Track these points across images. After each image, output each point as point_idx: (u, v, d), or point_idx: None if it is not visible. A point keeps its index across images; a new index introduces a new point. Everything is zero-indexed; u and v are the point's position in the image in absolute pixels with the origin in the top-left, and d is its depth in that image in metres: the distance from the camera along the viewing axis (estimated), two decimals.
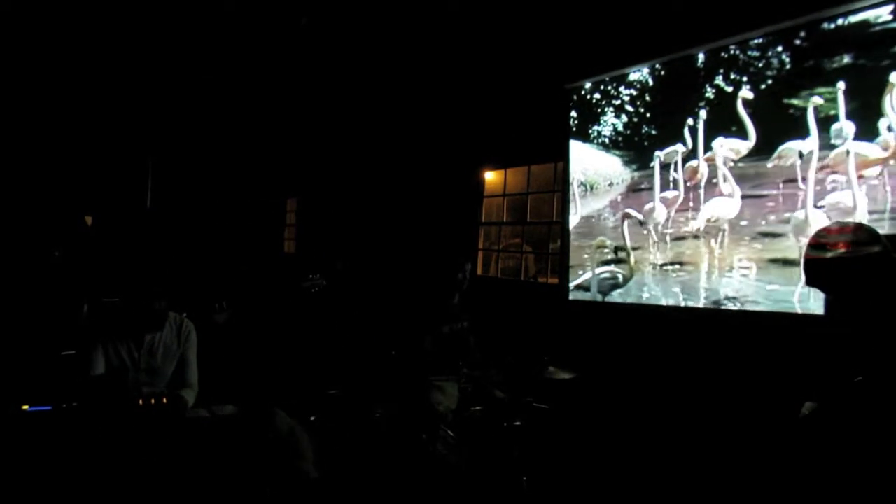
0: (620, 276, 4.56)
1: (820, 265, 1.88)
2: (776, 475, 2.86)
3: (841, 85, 3.26)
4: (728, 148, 3.85)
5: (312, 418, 3.20)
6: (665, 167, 4.24)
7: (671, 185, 4.19)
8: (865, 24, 3.17)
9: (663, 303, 4.20)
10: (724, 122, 3.84)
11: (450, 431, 3.12)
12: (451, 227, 6.23)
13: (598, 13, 4.40)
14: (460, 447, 3.03)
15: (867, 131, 3.16)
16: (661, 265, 4.25)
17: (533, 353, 3.26)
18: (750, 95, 3.73)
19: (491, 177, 6.06)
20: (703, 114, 3.94)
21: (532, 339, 4.32)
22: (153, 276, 2.67)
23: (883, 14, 3.10)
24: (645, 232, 4.39)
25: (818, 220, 3.30)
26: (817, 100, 3.33)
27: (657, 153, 4.29)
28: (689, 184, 4.06)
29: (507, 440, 3.05)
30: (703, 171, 3.96)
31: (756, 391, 3.34)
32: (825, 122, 3.35)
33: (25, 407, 2.24)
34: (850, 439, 1.87)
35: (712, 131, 3.92)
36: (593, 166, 4.82)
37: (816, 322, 3.15)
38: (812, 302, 3.33)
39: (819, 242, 1.89)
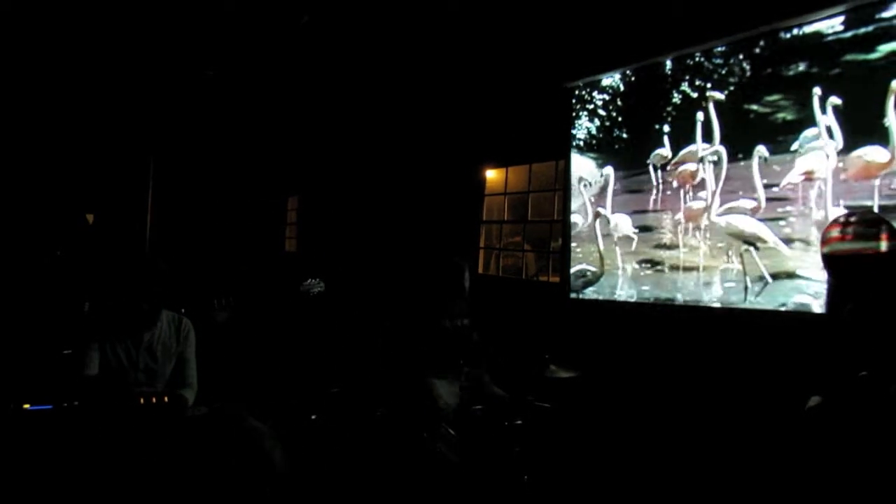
0: (590, 274, 4.67)
1: (850, 257, 1.85)
2: (781, 471, 2.85)
3: (817, 90, 3.28)
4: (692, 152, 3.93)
5: (314, 417, 3.20)
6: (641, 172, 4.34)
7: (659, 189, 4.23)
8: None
9: (635, 299, 4.28)
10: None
11: (451, 430, 3.12)
12: (453, 225, 6.23)
13: (599, 12, 4.39)
14: (461, 445, 3.02)
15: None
16: (636, 263, 4.34)
17: (534, 352, 3.25)
18: (720, 96, 3.78)
19: (492, 175, 6.06)
20: (699, 115, 3.94)
21: (533, 338, 4.31)
22: (145, 275, 2.63)
23: None
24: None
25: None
26: (834, 99, 3.25)
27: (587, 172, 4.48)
28: (686, 187, 4.07)
29: (508, 439, 3.04)
30: (700, 173, 3.98)
31: (759, 388, 3.33)
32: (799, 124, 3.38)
33: (26, 406, 2.23)
34: (855, 433, 1.87)
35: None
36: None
37: (818, 320, 3.14)
38: (756, 298, 3.55)
39: (848, 231, 1.86)
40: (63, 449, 2.19)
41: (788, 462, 2.56)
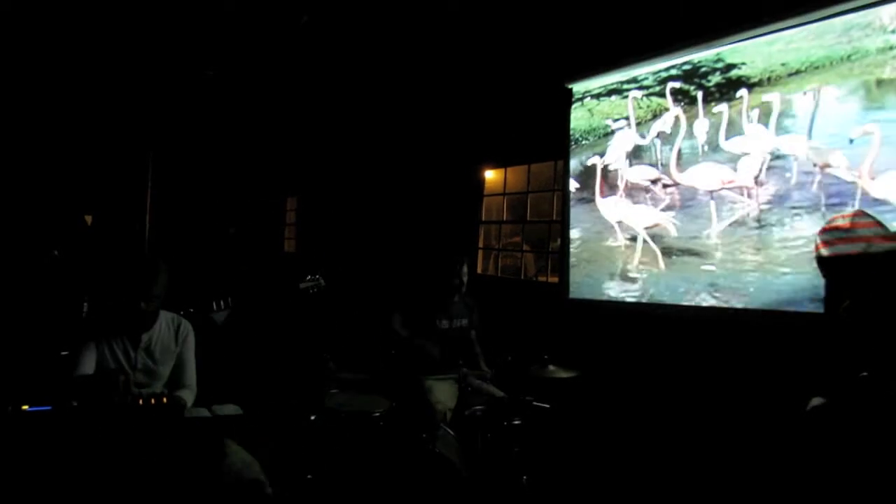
0: None
1: (847, 259, 1.85)
2: (781, 472, 2.85)
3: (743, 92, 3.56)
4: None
5: (313, 417, 3.19)
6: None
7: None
8: None
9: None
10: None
11: (450, 430, 3.12)
12: (452, 225, 6.23)
13: (599, 11, 4.39)
14: (460, 446, 3.02)
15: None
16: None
17: (533, 352, 3.25)
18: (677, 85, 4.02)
19: (491, 175, 6.06)
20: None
21: (532, 338, 4.31)
22: (144, 275, 2.62)
23: None
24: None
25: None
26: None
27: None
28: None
29: (507, 439, 3.04)
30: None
31: (759, 388, 3.33)
32: None
33: (25, 407, 2.23)
34: (856, 434, 1.87)
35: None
36: None
37: (818, 320, 3.14)
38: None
39: (840, 234, 1.86)
40: (62, 450, 2.18)
41: (789, 462, 2.56)
